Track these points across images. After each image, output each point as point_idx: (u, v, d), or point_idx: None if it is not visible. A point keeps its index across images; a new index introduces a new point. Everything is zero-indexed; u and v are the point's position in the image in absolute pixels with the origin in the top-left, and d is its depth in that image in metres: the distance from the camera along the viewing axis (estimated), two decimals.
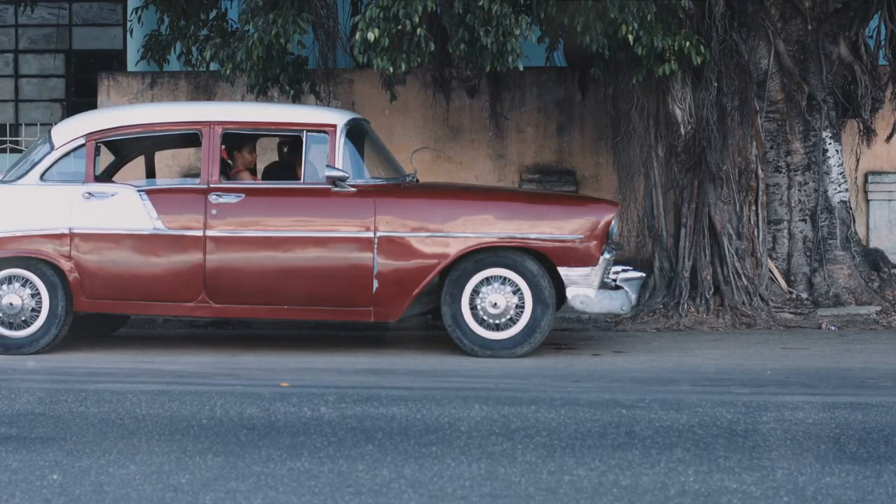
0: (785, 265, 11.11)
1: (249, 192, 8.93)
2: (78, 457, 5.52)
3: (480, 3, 9.15)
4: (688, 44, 9.77)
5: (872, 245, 11.99)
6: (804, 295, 10.95)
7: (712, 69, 10.54)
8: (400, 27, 9.24)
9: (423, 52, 9.43)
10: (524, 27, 9.31)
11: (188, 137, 9.44)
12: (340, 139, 8.87)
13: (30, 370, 8.21)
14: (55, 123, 9.75)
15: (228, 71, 10.31)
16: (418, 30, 9.30)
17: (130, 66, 14.05)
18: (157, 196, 8.89)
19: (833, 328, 10.41)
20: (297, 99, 11.14)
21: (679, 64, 10.02)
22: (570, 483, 5.07)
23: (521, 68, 9.63)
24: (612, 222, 8.84)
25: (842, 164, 11.25)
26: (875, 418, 6.43)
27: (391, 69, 9.46)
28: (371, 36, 9.25)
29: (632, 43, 9.57)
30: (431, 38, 9.49)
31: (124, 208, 8.85)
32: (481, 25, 9.28)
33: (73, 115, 10.37)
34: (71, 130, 9.14)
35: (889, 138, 11.74)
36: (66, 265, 8.83)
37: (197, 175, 9.47)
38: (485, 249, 8.71)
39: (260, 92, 10.73)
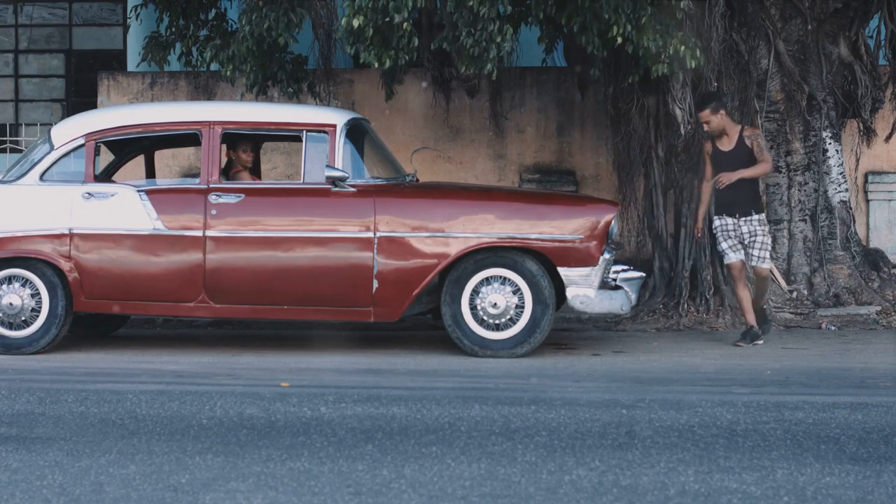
0: (785, 265, 11.12)
1: (249, 193, 8.93)
2: (78, 457, 5.53)
3: (470, 4, 9.13)
4: (683, 47, 9.76)
5: (872, 245, 12.00)
6: (804, 295, 10.96)
7: (712, 69, 10.55)
8: (387, 19, 9.20)
9: (410, 49, 9.41)
10: (508, 36, 9.30)
11: (188, 137, 9.44)
12: (340, 139, 8.88)
13: (30, 370, 8.21)
14: (55, 123, 9.75)
15: (228, 72, 10.33)
16: (405, 24, 9.27)
17: (131, 67, 14.06)
18: (156, 196, 8.90)
19: (833, 328, 10.42)
20: (296, 99, 11.15)
21: (678, 64, 10.01)
22: (570, 483, 5.07)
23: (494, 77, 9.69)
24: (612, 222, 8.84)
25: (842, 164, 11.26)
26: (875, 418, 6.43)
27: (376, 63, 9.46)
28: (356, 23, 9.21)
29: (620, 42, 9.56)
30: (416, 34, 9.47)
31: (124, 208, 8.86)
32: (465, 26, 9.27)
33: (73, 115, 10.36)
34: (71, 130, 9.14)
35: (889, 138, 11.75)
36: (65, 265, 8.83)
37: (197, 175, 9.47)
38: (485, 249, 8.71)
39: (260, 91, 10.74)
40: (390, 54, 9.39)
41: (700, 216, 9.64)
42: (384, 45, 9.37)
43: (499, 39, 9.26)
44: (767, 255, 9.37)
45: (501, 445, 5.75)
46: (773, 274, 10.99)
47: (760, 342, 9.37)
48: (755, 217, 9.28)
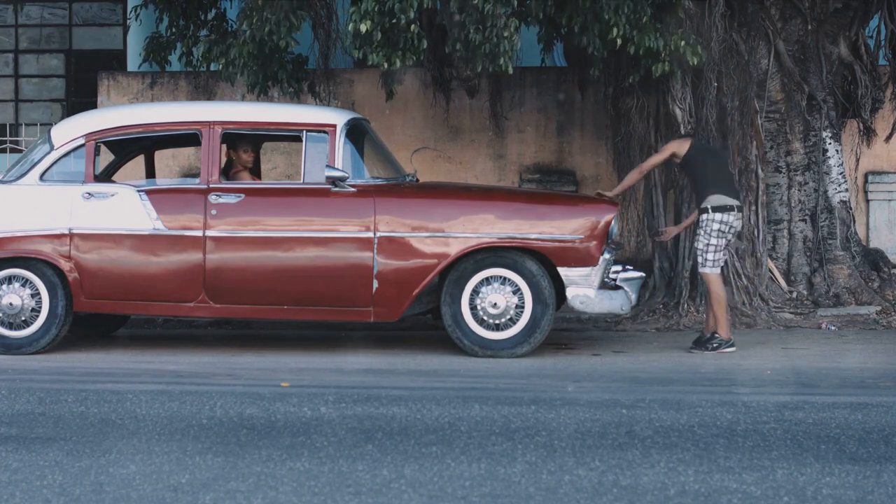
0: (785, 265, 11.12)
1: (249, 192, 8.93)
2: (78, 457, 5.53)
3: (475, 2, 9.14)
4: (683, 43, 9.75)
5: (872, 245, 12.00)
6: (804, 295, 10.96)
7: (712, 69, 10.55)
8: (394, 21, 9.22)
9: (417, 50, 9.42)
10: (512, 30, 9.30)
11: (188, 137, 9.44)
12: (340, 139, 8.88)
13: (30, 370, 8.21)
14: (55, 123, 9.75)
15: (221, 67, 10.32)
16: (412, 26, 9.28)
17: (131, 67, 14.05)
18: (156, 196, 8.90)
19: (833, 328, 10.41)
20: (297, 99, 11.14)
21: (677, 63, 10.01)
22: (570, 483, 5.07)
23: (511, 72, 9.65)
24: (612, 222, 8.84)
25: (842, 164, 11.26)
26: (875, 418, 6.43)
27: (385, 64, 9.46)
28: (363, 28, 9.23)
29: (620, 43, 9.56)
30: (424, 36, 9.48)
31: (124, 208, 8.86)
32: (472, 24, 9.28)
33: (73, 115, 10.37)
34: (71, 130, 9.14)
35: (889, 138, 11.75)
36: (65, 265, 8.83)
37: (197, 175, 9.47)
38: (485, 249, 8.71)
39: (260, 92, 10.74)
40: (398, 55, 9.39)
41: (682, 223, 9.70)
42: (391, 46, 9.37)
43: (506, 34, 9.26)
44: (701, 259, 9.01)
45: (501, 445, 5.75)
46: (773, 274, 11.00)
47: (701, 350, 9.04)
48: (700, 217, 9.16)
